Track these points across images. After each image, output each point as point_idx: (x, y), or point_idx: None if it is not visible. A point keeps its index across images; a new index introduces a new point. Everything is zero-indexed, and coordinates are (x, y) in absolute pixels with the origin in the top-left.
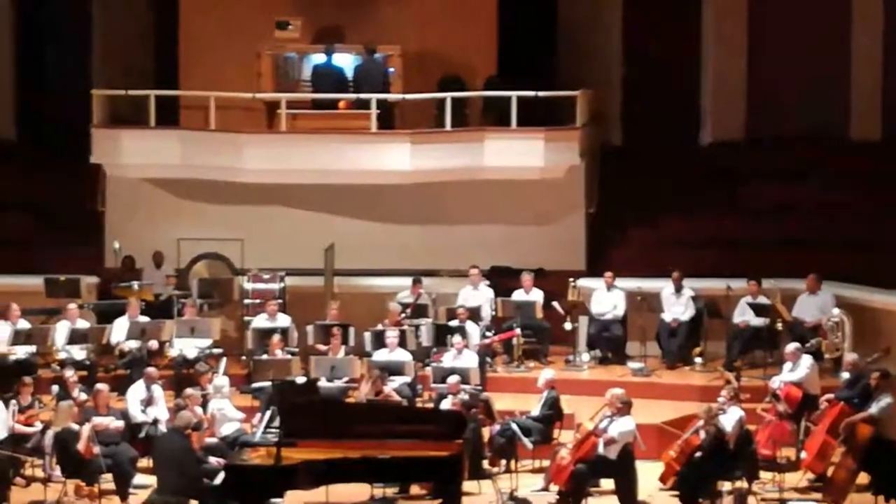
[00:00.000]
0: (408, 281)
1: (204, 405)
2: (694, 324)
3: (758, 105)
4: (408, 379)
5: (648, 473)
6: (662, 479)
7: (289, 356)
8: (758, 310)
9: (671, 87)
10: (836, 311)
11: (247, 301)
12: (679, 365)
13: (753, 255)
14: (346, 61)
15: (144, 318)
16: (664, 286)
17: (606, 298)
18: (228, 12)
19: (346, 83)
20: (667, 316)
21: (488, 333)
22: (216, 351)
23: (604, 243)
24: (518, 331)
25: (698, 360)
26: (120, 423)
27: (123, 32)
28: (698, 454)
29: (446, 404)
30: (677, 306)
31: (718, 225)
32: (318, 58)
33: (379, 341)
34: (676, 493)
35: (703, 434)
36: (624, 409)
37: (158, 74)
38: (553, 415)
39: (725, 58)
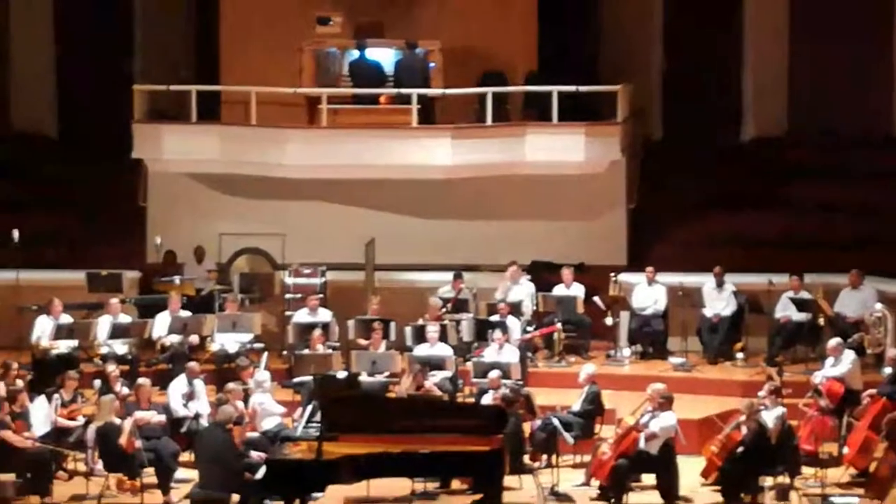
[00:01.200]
0: (449, 276)
1: (245, 400)
2: (735, 319)
3: (800, 101)
4: (449, 373)
5: (690, 468)
6: (704, 474)
7: (330, 351)
8: (800, 305)
9: (712, 81)
10: (878, 306)
11: (288, 296)
12: (720, 360)
13: (795, 251)
14: (386, 56)
15: (186, 313)
16: (705, 281)
17: (648, 293)
18: (269, 8)
19: (383, 78)
20: (708, 311)
21: (529, 328)
22: (257, 346)
23: (645, 238)
24: (559, 325)
25: (740, 355)
26: (162, 418)
27: (165, 28)
28: (740, 449)
29: (487, 399)
30: (719, 301)
31: (760, 220)
32: (356, 53)
33: (420, 336)
34: (718, 488)
35: (744, 429)
36: (665, 404)
37: (200, 70)
38: (594, 410)
39: (767, 53)
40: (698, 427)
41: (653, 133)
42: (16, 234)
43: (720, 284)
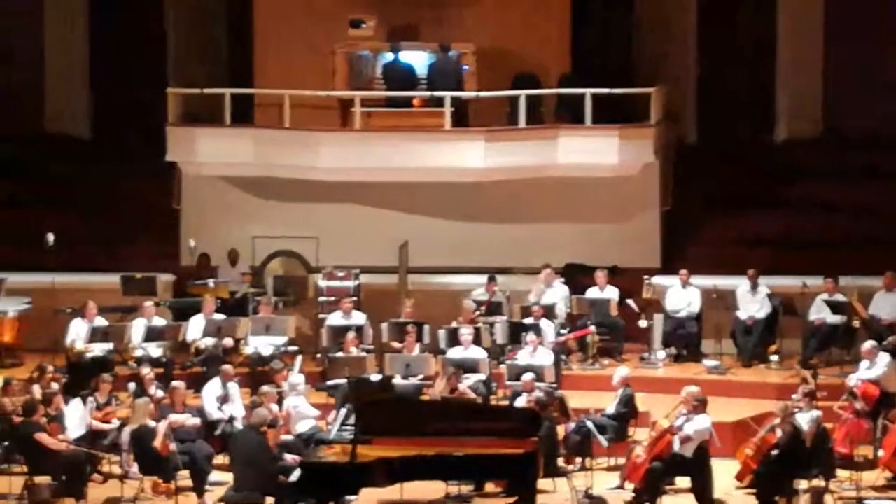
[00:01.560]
0: (482, 279)
1: (279, 402)
2: (769, 321)
3: (833, 102)
4: (482, 376)
5: (724, 471)
6: (738, 477)
7: (363, 354)
8: (834, 307)
9: (746, 83)
10: None
11: (322, 299)
12: (755, 363)
13: (829, 253)
14: (418, 59)
15: (220, 316)
16: (739, 284)
17: (681, 296)
18: (303, 11)
19: (415, 80)
20: (742, 313)
21: (563, 331)
22: (291, 348)
23: (679, 240)
24: (593, 328)
25: (774, 357)
26: (196, 421)
27: (198, 31)
28: (775, 452)
29: (521, 402)
30: (753, 304)
31: (794, 222)
32: (389, 56)
33: (453, 339)
34: (753, 491)
35: (779, 432)
36: (699, 406)
37: (233, 72)
38: (628, 412)
39: (801, 54)
40: (733, 430)
41: (686, 135)
42: (50, 237)
43: (754, 287)
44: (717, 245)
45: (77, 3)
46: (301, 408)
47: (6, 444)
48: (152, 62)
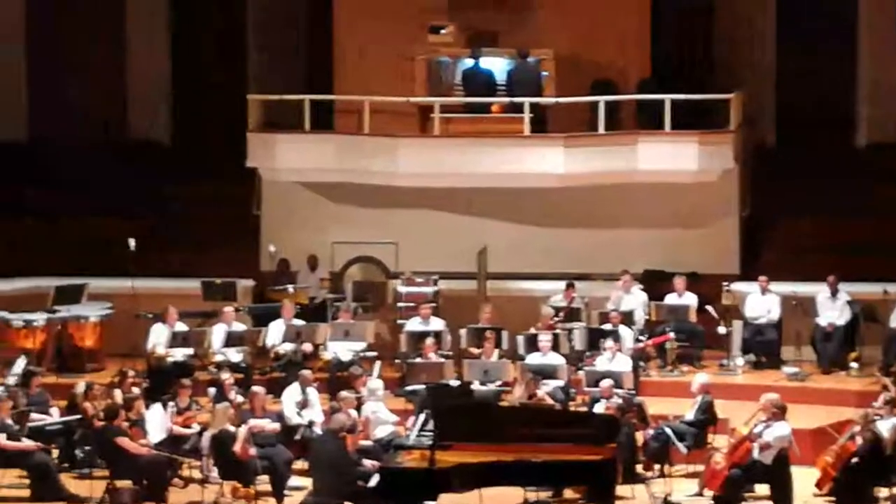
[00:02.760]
0: (561, 285)
1: (358, 408)
2: (850, 328)
3: None
4: (561, 382)
5: (803, 479)
6: (818, 484)
7: (442, 359)
8: None
9: (826, 88)
10: None
11: (400, 304)
12: (834, 370)
13: None
14: (498, 65)
15: (299, 322)
16: (819, 290)
17: (761, 302)
18: (382, 17)
19: (496, 87)
20: (822, 320)
21: (641, 337)
22: (370, 354)
23: (758, 247)
24: (671, 335)
25: (854, 364)
26: (276, 426)
27: (278, 37)
28: (854, 460)
29: (600, 408)
30: (833, 310)
31: (875, 228)
32: (469, 62)
33: (532, 345)
34: (832, 499)
35: (859, 440)
36: (779, 413)
37: (313, 79)
38: (707, 419)
39: (881, 58)
40: (812, 437)
41: (766, 139)
42: (132, 242)
43: (834, 293)
44: (797, 251)
45: (158, 11)
46: (380, 413)
47: (88, 448)
48: (232, 69)
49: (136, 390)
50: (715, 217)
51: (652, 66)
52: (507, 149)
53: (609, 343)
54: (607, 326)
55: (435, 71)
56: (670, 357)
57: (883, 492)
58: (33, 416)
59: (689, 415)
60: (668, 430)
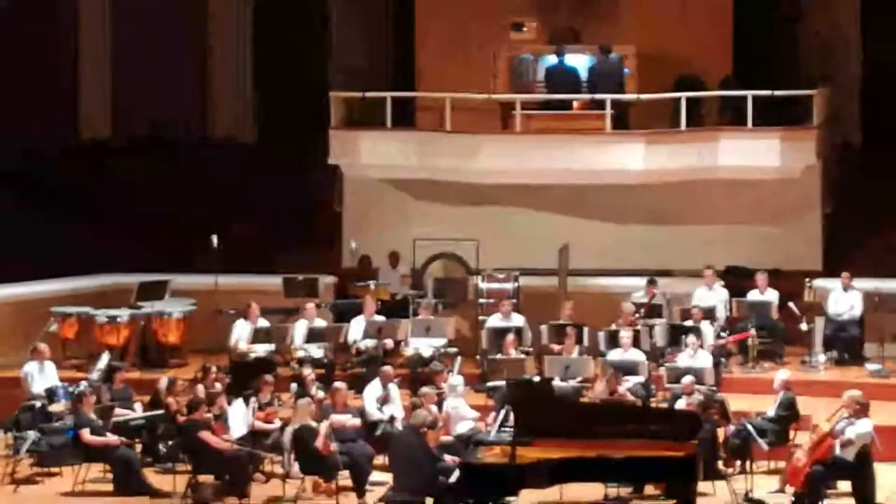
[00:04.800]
0: (642, 281)
1: (439, 404)
2: None
3: None
4: (642, 379)
5: (886, 475)
6: None
7: (523, 356)
8: None
9: None
10: None
11: (481, 301)
12: None
13: None
14: (580, 62)
15: (380, 318)
16: None
17: (843, 299)
18: (463, 14)
19: (579, 84)
20: None
21: (723, 334)
22: (451, 350)
23: (841, 243)
24: (753, 331)
25: None
26: (357, 421)
27: (360, 35)
28: None
29: (681, 404)
30: None
31: None
32: (552, 59)
33: (613, 341)
34: None
35: None
36: (861, 410)
37: (394, 76)
38: (789, 416)
39: None
40: (895, 434)
41: (850, 136)
42: (214, 239)
43: None
44: (881, 248)
45: (241, 8)
46: (460, 409)
47: (171, 442)
48: (315, 66)
49: (218, 386)
50: (797, 213)
51: (734, 62)
52: (588, 145)
53: (690, 339)
54: (689, 323)
55: (517, 68)
56: (752, 353)
57: None
58: (117, 411)
59: (771, 411)
60: (750, 427)
